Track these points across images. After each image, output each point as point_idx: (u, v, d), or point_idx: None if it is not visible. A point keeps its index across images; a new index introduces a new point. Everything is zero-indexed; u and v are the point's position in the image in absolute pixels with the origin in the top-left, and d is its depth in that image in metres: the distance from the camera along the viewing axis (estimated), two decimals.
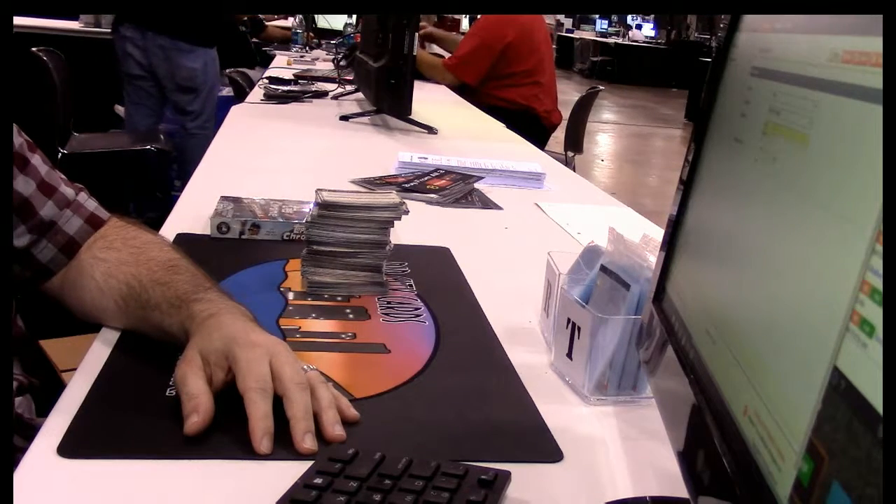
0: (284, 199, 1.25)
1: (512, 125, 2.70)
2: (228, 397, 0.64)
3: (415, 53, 2.00)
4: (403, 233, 1.16)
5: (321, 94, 2.81)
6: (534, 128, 3.45)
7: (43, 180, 0.84)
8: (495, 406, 0.73)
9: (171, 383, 0.69)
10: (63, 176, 0.88)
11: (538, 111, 3.67)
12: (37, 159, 0.85)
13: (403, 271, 1.07)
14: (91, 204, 0.89)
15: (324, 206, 0.95)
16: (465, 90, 3.65)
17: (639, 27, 16.91)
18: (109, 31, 3.55)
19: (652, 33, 16.70)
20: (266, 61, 4.47)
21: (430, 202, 1.46)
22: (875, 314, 0.28)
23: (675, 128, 9.81)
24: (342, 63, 3.16)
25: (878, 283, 0.29)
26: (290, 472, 0.56)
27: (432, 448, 0.64)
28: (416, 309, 0.94)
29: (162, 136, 3.57)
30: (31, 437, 0.61)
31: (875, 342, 0.28)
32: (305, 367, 0.68)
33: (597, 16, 17.72)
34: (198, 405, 0.62)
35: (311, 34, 4.96)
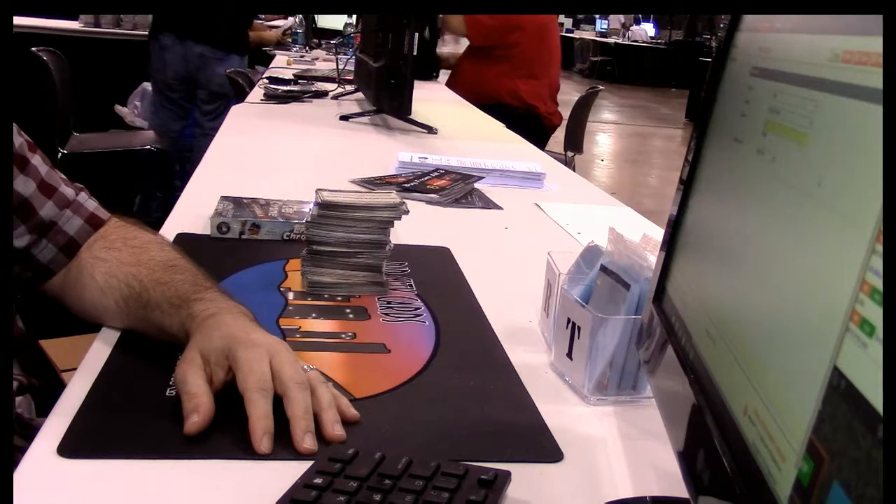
0: (284, 199, 1.25)
1: (513, 125, 2.71)
2: (228, 397, 0.64)
3: (415, 53, 2.00)
4: (403, 233, 1.16)
5: (321, 94, 2.81)
6: (534, 128, 3.47)
7: (43, 180, 0.84)
8: (495, 406, 0.73)
9: (171, 383, 0.69)
10: (63, 176, 0.88)
11: (540, 111, 3.69)
12: (37, 159, 0.84)
13: (403, 271, 1.07)
14: (91, 204, 0.89)
15: (324, 206, 0.95)
16: (470, 80, 3.68)
17: (638, 22, 16.85)
18: (146, 35, 3.61)
19: (652, 32, 16.69)
20: (266, 61, 4.47)
21: (430, 202, 1.46)
22: (875, 314, 0.28)
23: (675, 128, 9.81)
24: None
25: (878, 283, 0.29)
26: (290, 472, 0.56)
27: (432, 448, 0.64)
28: (416, 309, 0.94)
29: (159, 136, 3.59)
30: (31, 437, 0.61)
31: (875, 342, 0.28)
32: (305, 366, 0.68)
33: (597, 16, 17.72)
34: (198, 405, 0.62)
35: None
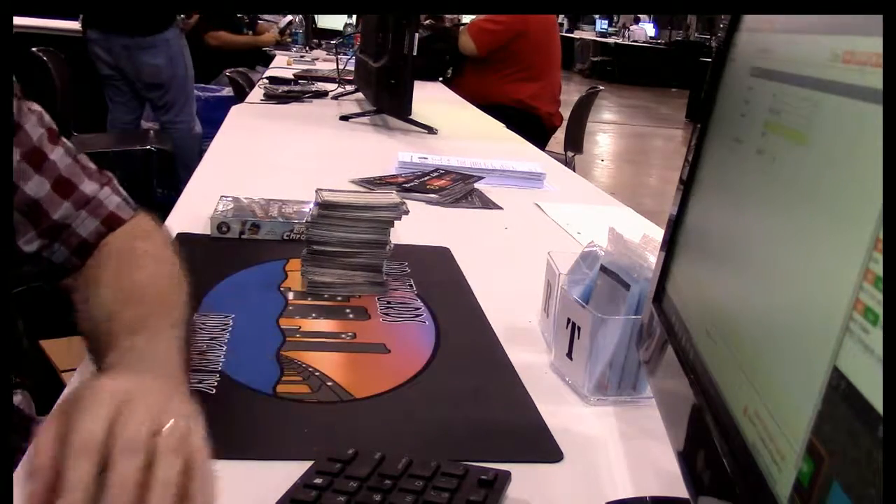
0: (284, 199, 1.25)
1: (513, 126, 2.71)
2: (228, 397, 0.64)
3: (414, 53, 2.00)
4: (403, 233, 1.16)
5: (321, 94, 2.81)
6: (535, 129, 3.47)
7: (60, 176, 0.77)
8: (495, 406, 0.73)
9: None
10: (91, 166, 0.81)
11: (541, 112, 3.69)
12: (58, 153, 0.78)
13: (403, 271, 1.07)
14: (113, 201, 0.81)
15: (324, 206, 0.95)
16: (472, 84, 3.68)
17: (637, 22, 16.85)
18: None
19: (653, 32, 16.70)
20: (266, 61, 4.47)
21: (430, 202, 1.46)
22: (874, 316, 0.28)
23: (675, 128, 9.81)
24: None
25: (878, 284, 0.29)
26: (290, 472, 0.56)
27: (432, 448, 0.64)
28: (416, 309, 0.94)
29: (153, 135, 3.59)
30: (30, 437, 0.61)
31: (874, 342, 0.28)
32: (173, 424, 0.49)
33: (597, 15, 17.73)
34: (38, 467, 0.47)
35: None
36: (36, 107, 0.78)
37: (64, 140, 0.80)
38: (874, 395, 0.27)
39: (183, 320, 0.67)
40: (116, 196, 0.82)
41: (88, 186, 0.80)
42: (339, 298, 0.96)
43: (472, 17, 3.83)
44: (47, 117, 0.79)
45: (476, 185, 1.60)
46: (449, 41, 3.89)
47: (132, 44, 3.39)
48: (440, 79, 4.07)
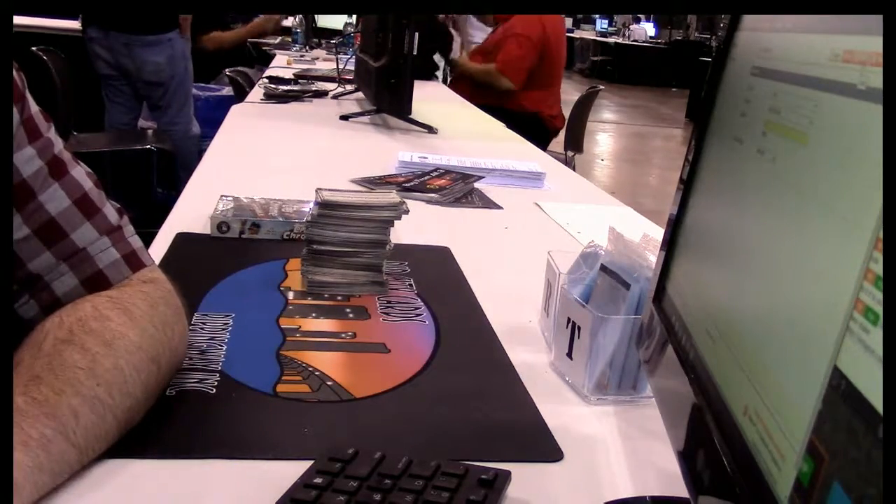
0: (284, 198, 1.25)
1: (514, 127, 2.70)
2: (228, 396, 0.64)
3: (415, 53, 2.00)
4: (403, 232, 1.16)
5: (321, 94, 2.81)
6: (537, 131, 3.47)
7: (49, 222, 0.65)
8: (495, 406, 0.73)
9: (171, 383, 0.69)
10: (102, 206, 0.69)
11: (544, 115, 3.69)
12: (52, 192, 0.65)
13: (403, 271, 1.07)
14: (108, 256, 0.67)
15: (324, 206, 0.95)
16: (476, 85, 3.66)
17: (637, 21, 16.84)
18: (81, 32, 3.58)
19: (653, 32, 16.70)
20: (266, 61, 4.47)
21: (430, 202, 1.46)
22: (874, 316, 0.28)
23: (675, 128, 9.81)
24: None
25: (879, 284, 0.29)
26: (290, 472, 0.56)
27: (432, 448, 0.64)
28: (416, 308, 0.94)
29: (152, 134, 3.59)
30: None
31: (874, 342, 0.28)
32: None
33: (597, 15, 17.72)
34: None
35: None
36: (50, 133, 0.67)
37: (73, 175, 0.67)
38: (874, 395, 0.27)
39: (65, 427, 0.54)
40: (116, 250, 0.68)
41: (83, 234, 0.66)
42: (339, 298, 0.96)
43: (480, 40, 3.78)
44: (59, 146, 0.67)
45: (476, 185, 1.60)
46: (439, 39, 3.86)
47: (134, 40, 3.39)
48: (437, 79, 4.06)
